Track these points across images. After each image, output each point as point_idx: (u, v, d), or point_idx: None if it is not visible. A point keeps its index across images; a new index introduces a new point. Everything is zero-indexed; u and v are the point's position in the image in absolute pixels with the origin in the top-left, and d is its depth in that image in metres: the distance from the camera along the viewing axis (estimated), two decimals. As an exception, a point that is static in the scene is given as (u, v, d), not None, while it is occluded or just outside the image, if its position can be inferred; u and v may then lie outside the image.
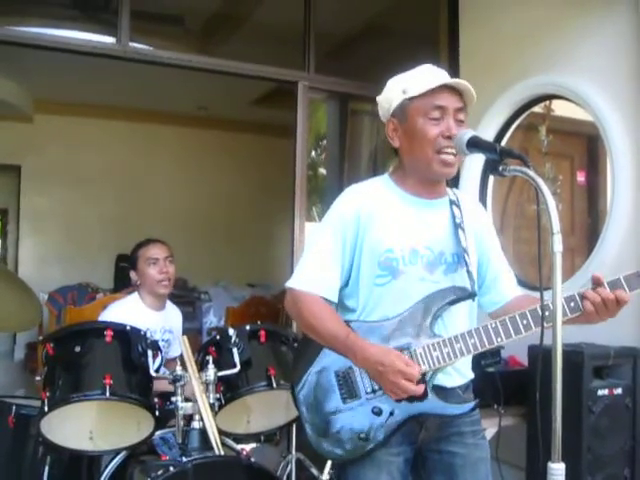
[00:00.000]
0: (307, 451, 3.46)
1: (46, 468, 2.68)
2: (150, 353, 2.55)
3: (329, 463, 3.19)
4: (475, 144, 1.74)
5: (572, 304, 1.80)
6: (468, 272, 1.94)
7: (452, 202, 2.02)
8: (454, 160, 1.90)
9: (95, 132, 8.74)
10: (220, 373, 2.57)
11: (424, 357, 1.83)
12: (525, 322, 1.81)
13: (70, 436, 2.56)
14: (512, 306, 2.00)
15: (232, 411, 2.73)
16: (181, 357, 2.64)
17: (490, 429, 2.96)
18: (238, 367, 2.63)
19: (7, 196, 9.63)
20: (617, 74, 3.58)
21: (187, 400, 2.51)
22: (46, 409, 2.41)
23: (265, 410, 2.90)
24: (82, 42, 4.29)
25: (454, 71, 4.39)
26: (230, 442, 2.75)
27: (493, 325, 1.82)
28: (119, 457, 2.62)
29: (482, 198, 4.30)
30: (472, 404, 1.94)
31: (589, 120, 3.79)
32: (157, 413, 2.52)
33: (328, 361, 1.93)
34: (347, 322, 1.93)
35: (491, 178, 4.35)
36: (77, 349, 2.51)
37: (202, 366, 2.63)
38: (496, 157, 1.65)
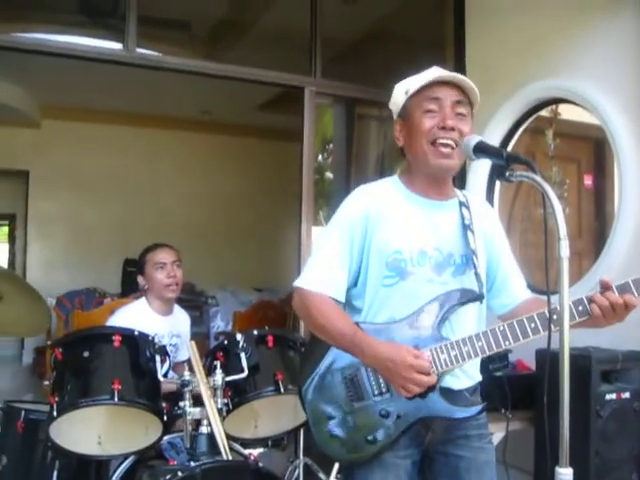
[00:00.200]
0: (315, 456, 3.47)
1: (55, 473, 2.68)
2: (158, 358, 2.56)
3: (336, 467, 3.19)
4: (482, 149, 1.75)
5: (580, 308, 1.79)
6: (476, 274, 1.94)
7: (461, 203, 2.02)
8: (451, 152, 1.89)
9: (102, 137, 8.78)
10: (228, 378, 2.57)
11: (431, 360, 1.82)
12: (533, 326, 1.80)
13: (79, 441, 2.57)
14: (522, 309, 2.00)
15: (240, 416, 2.73)
16: (189, 361, 2.65)
17: (498, 433, 2.95)
18: (246, 372, 2.63)
19: (15, 201, 9.68)
20: (623, 77, 3.57)
21: (195, 403, 2.52)
22: (55, 414, 2.43)
23: (273, 415, 2.90)
24: (89, 48, 4.31)
25: (461, 74, 4.38)
26: (238, 447, 2.75)
27: (501, 328, 1.82)
28: (127, 462, 2.63)
29: (489, 203, 4.29)
30: (479, 407, 1.94)
31: (596, 123, 3.78)
32: (165, 418, 2.53)
33: (335, 363, 1.94)
34: (354, 324, 1.93)
35: (498, 183, 4.34)
36: (86, 354, 2.52)
37: (210, 371, 2.64)
38: (503, 163, 1.65)
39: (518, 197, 4.58)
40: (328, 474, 3.32)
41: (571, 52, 3.86)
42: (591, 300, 1.78)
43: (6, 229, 10.51)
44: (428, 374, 1.77)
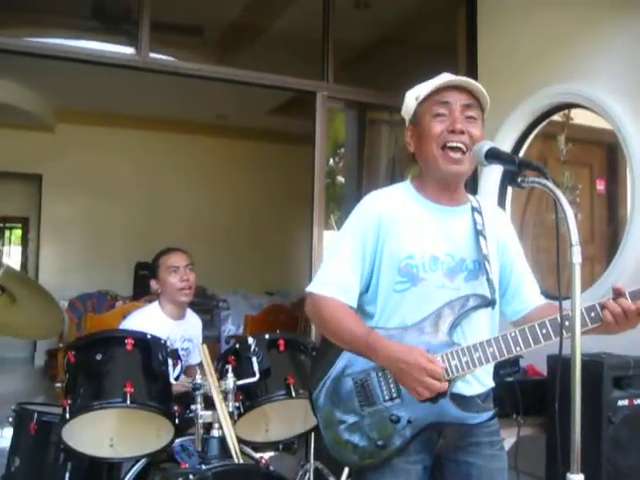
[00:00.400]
0: (325, 460, 3.47)
1: (67, 474, 2.68)
2: (170, 361, 2.56)
3: (346, 471, 3.19)
4: (494, 155, 1.74)
5: (592, 314, 1.78)
6: (488, 280, 1.94)
7: (474, 209, 2.02)
8: (461, 157, 1.89)
9: (115, 141, 8.84)
10: (239, 382, 2.58)
11: (445, 366, 1.81)
12: (545, 332, 1.79)
13: (91, 443, 2.59)
14: (535, 315, 1.98)
15: (251, 419, 2.73)
16: (201, 365, 2.66)
17: (509, 439, 2.94)
18: (257, 376, 2.63)
19: (28, 204, 9.76)
20: (636, 83, 3.57)
21: (207, 406, 2.53)
22: (68, 416, 2.44)
23: (284, 419, 2.90)
24: (102, 53, 4.35)
25: (473, 79, 4.38)
26: (249, 450, 2.76)
27: (512, 334, 1.81)
28: (139, 464, 2.64)
29: (501, 208, 4.28)
30: (490, 413, 1.93)
31: (608, 128, 3.78)
32: (177, 421, 2.53)
33: (346, 368, 1.94)
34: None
35: (509, 188, 4.34)
36: (98, 357, 2.53)
37: (221, 375, 2.64)
38: (514, 169, 1.64)
39: (530, 202, 4.57)
40: (339, 478, 3.31)
41: (584, 57, 3.86)
42: (603, 307, 1.78)
43: (19, 232, 10.58)
44: (440, 379, 1.77)
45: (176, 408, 2.56)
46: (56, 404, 3.18)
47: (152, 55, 4.30)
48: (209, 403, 2.54)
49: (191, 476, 2.27)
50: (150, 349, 2.58)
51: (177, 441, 2.64)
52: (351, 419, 1.91)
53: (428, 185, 2.00)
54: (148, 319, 3.16)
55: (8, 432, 2.98)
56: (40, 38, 4.80)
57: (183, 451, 2.68)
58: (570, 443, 1.45)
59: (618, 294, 1.78)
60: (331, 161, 8.12)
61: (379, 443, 1.88)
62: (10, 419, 2.86)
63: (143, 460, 2.64)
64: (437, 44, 5.38)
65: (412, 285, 1.91)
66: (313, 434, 3.17)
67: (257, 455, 2.76)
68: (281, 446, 3.14)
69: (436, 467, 2.00)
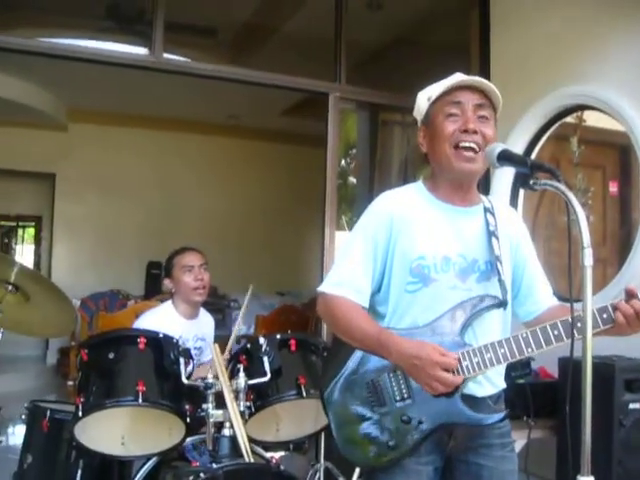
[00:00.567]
0: (336, 460, 3.47)
1: (79, 472, 2.71)
2: (182, 361, 2.58)
3: (357, 472, 3.20)
4: (506, 158, 1.74)
5: (604, 316, 1.77)
6: (500, 281, 1.93)
7: (486, 209, 2.02)
8: (474, 156, 1.89)
9: (128, 140, 8.88)
10: (251, 381, 2.59)
11: (458, 357, 1.81)
12: (556, 333, 1.79)
13: (103, 441, 2.60)
14: (547, 316, 1.98)
15: (262, 419, 2.75)
16: (212, 363, 2.67)
17: (520, 441, 2.94)
18: (268, 376, 2.64)
19: (41, 203, 9.81)
20: (650, 85, 3.56)
21: (218, 405, 2.54)
22: (80, 414, 2.46)
23: (294, 419, 2.91)
24: (116, 54, 4.37)
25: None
26: (259, 450, 2.76)
27: (524, 335, 1.81)
28: (150, 462, 2.65)
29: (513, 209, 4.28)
30: (501, 415, 1.93)
31: (621, 130, 3.76)
32: (188, 420, 2.55)
33: (357, 367, 1.94)
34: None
35: (522, 190, 4.33)
36: (111, 356, 2.55)
37: (233, 374, 2.66)
38: (527, 171, 1.64)
39: (542, 204, 4.56)
40: (349, 479, 3.32)
41: (597, 59, 3.85)
42: (615, 308, 1.77)
43: (32, 231, 10.64)
44: (454, 372, 1.77)
45: (187, 407, 2.57)
46: (68, 402, 3.21)
47: (165, 55, 4.31)
48: (220, 402, 2.55)
49: (202, 474, 2.28)
50: (162, 348, 2.60)
51: (188, 440, 2.65)
52: (362, 419, 1.91)
53: (441, 185, 2.00)
54: (161, 318, 3.18)
55: (21, 429, 3.00)
56: (54, 38, 4.82)
57: (194, 450, 2.69)
58: (581, 446, 1.45)
59: (630, 295, 1.77)
60: (343, 162, 8.14)
61: (390, 444, 1.88)
62: (23, 416, 2.88)
63: (154, 458, 2.66)
64: (450, 45, 5.37)
65: (423, 285, 1.91)
66: (323, 434, 3.18)
67: (268, 454, 2.77)
68: (292, 446, 3.15)
69: (447, 468, 2.00)
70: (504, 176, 4.29)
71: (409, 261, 1.92)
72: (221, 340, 3.31)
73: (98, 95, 7.67)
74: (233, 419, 2.48)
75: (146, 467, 2.64)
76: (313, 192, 5.39)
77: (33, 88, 7.67)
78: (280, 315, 5.98)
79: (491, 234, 1.97)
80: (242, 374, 2.57)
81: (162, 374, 2.57)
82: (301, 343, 2.88)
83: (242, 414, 2.53)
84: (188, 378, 2.60)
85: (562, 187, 1.54)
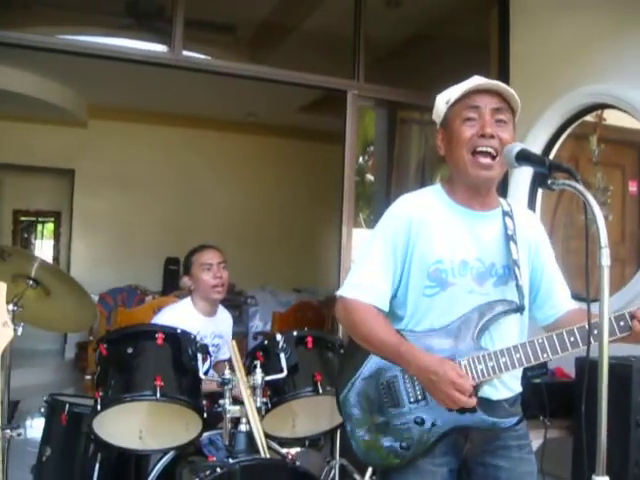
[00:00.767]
0: (350, 457, 3.48)
1: (97, 465, 2.73)
2: (200, 356, 2.60)
3: (370, 469, 3.21)
4: (524, 157, 1.73)
5: (622, 323, 1.77)
6: (517, 286, 1.93)
7: (505, 213, 2.01)
8: (491, 163, 1.88)
9: (146, 137, 8.93)
10: (267, 378, 2.60)
11: (468, 369, 1.82)
12: (572, 339, 1.78)
13: (120, 435, 2.63)
14: (565, 320, 1.98)
15: (278, 415, 2.76)
16: (230, 361, 2.69)
17: (535, 441, 2.93)
18: (285, 372, 2.66)
19: (61, 199, 9.90)
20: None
21: (235, 401, 2.56)
22: (99, 408, 2.48)
23: (310, 415, 2.92)
24: (136, 51, 4.39)
25: (504, 79, 4.36)
26: (275, 445, 2.78)
27: (540, 341, 1.81)
28: (167, 457, 2.68)
29: (531, 210, 4.26)
30: (517, 418, 1.93)
31: (641, 129, 3.74)
32: (205, 415, 2.57)
33: (373, 369, 1.95)
34: (399, 333, 1.93)
35: (540, 190, 4.31)
36: (129, 351, 2.57)
37: (250, 370, 2.67)
38: (545, 171, 1.63)
39: (560, 204, 4.54)
40: (364, 475, 3.33)
41: (616, 55, 3.82)
42: (633, 316, 1.76)
43: (51, 226, 10.73)
44: (469, 395, 1.77)
45: (205, 402, 2.59)
46: (86, 396, 3.24)
47: (185, 53, 4.32)
48: (237, 398, 2.57)
49: (218, 469, 2.30)
50: (180, 343, 2.61)
51: (205, 435, 2.68)
52: (376, 420, 1.93)
53: (459, 189, 1.99)
54: (180, 315, 3.19)
55: (39, 422, 3.04)
56: (74, 36, 4.86)
57: (211, 444, 2.72)
58: (596, 446, 1.45)
59: None
60: (360, 159, 8.13)
61: (403, 444, 1.89)
62: (42, 410, 2.90)
63: (171, 453, 2.68)
64: (469, 43, 5.35)
65: (441, 290, 1.91)
66: (339, 431, 3.19)
67: (283, 450, 2.79)
68: (307, 442, 3.16)
69: (464, 470, 2.00)
70: (522, 176, 4.27)
71: (427, 265, 1.92)
72: (237, 337, 3.33)
73: (118, 92, 7.72)
74: (250, 415, 2.49)
75: (163, 461, 2.67)
76: (330, 189, 5.40)
77: (54, 85, 7.73)
78: (297, 312, 6.00)
79: (509, 238, 1.96)
80: (259, 370, 2.58)
81: (180, 369, 2.59)
82: (318, 340, 2.89)
83: (259, 410, 2.54)
84: (205, 374, 2.62)
85: (580, 187, 1.54)
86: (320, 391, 2.70)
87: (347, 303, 1.96)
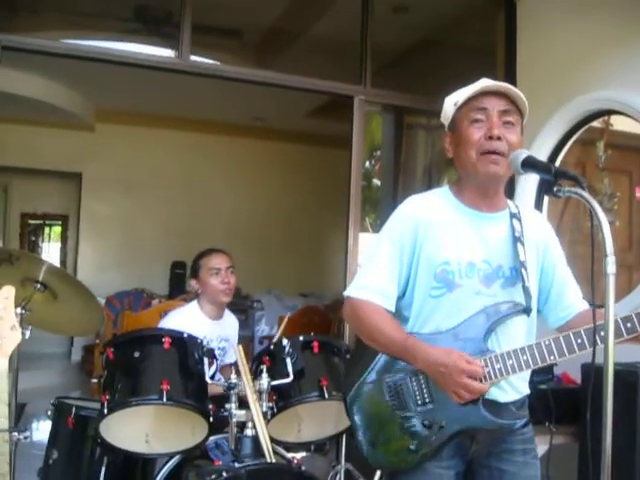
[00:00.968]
0: (356, 461, 3.48)
1: (103, 469, 2.74)
2: (206, 361, 2.61)
3: (378, 474, 3.21)
4: (530, 164, 1.74)
5: (629, 325, 1.77)
6: (524, 287, 1.93)
7: (513, 215, 2.01)
8: (498, 158, 1.88)
9: (154, 141, 8.96)
10: (273, 382, 2.61)
11: (484, 365, 1.82)
12: (579, 341, 1.79)
13: (127, 438, 2.63)
14: (578, 321, 1.98)
15: (284, 420, 2.76)
16: (236, 365, 2.69)
17: (541, 446, 2.92)
18: (291, 377, 2.66)
19: (68, 202, 9.93)
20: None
21: (241, 405, 2.56)
22: (105, 411, 2.49)
23: (316, 420, 2.93)
24: (144, 56, 4.40)
25: (511, 84, 4.37)
26: (281, 450, 2.78)
27: (547, 343, 1.81)
28: (173, 460, 2.68)
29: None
30: (523, 420, 1.94)
31: (649, 135, 3.74)
32: (211, 419, 2.57)
33: (380, 371, 1.96)
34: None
35: (546, 197, 4.31)
36: (136, 354, 2.58)
37: (256, 375, 2.68)
38: (551, 178, 1.64)
39: (567, 209, 4.54)
40: (369, 480, 3.33)
41: (623, 63, 3.81)
42: None
43: (59, 229, 10.76)
44: (480, 380, 1.78)
45: (211, 406, 2.59)
46: (93, 399, 3.25)
47: (192, 58, 4.33)
48: (243, 402, 2.57)
49: (224, 473, 2.30)
50: (186, 348, 2.62)
51: (211, 439, 2.68)
52: (384, 422, 1.93)
53: (467, 191, 2.00)
54: (186, 318, 3.21)
55: (45, 425, 3.04)
56: (82, 40, 4.88)
57: (217, 449, 2.72)
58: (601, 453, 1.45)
59: None
60: (367, 163, 8.14)
61: (411, 447, 1.89)
62: (49, 412, 2.91)
63: (177, 456, 2.69)
64: (475, 49, 5.35)
65: (448, 291, 1.92)
66: (345, 436, 3.20)
67: (289, 455, 2.79)
68: (313, 447, 3.17)
69: (469, 473, 2.01)
70: (528, 183, 4.27)
71: (434, 266, 1.92)
72: (243, 341, 3.34)
73: (125, 95, 7.75)
74: (255, 419, 2.50)
75: (169, 465, 2.67)
76: (337, 193, 5.41)
77: (61, 88, 7.77)
78: (303, 316, 6.00)
79: (516, 240, 1.96)
80: (265, 375, 2.59)
81: (186, 373, 2.60)
82: (324, 345, 2.89)
83: (264, 414, 2.55)
84: (212, 378, 2.63)
85: (586, 195, 1.54)
86: (326, 396, 2.71)
87: (354, 303, 1.97)
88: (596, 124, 4.29)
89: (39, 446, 3.05)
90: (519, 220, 2.01)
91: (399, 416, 1.91)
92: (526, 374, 1.99)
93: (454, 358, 1.78)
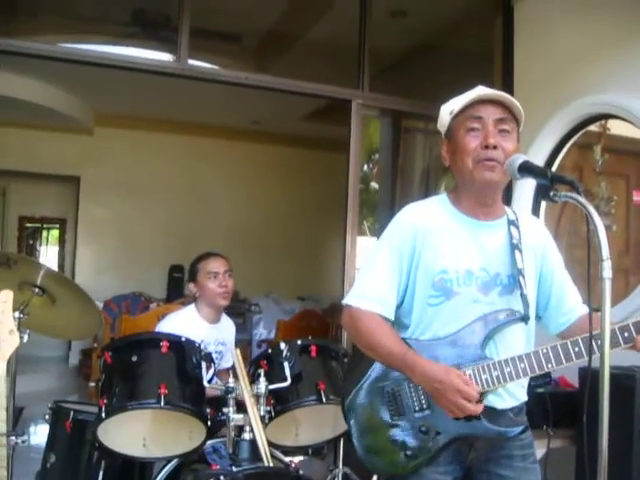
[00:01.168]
0: (354, 466, 3.48)
1: (101, 473, 2.74)
2: (204, 364, 2.61)
3: (375, 478, 3.21)
4: (527, 169, 1.75)
5: (626, 334, 1.78)
6: (522, 295, 1.93)
7: (510, 222, 2.01)
8: (494, 164, 1.88)
9: (152, 145, 8.96)
10: (271, 386, 2.61)
11: (473, 379, 1.83)
12: (577, 349, 1.80)
13: (124, 442, 2.63)
14: (578, 327, 1.98)
15: (281, 424, 2.76)
16: (233, 369, 2.69)
17: (539, 450, 2.93)
18: (289, 381, 2.66)
19: (66, 206, 9.92)
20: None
21: (239, 409, 2.56)
22: (103, 415, 2.49)
23: (314, 424, 2.93)
24: (142, 60, 4.41)
25: (508, 89, 4.37)
26: (279, 454, 2.78)
27: (544, 351, 1.82)
28: (171, 464, 2.68)
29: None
30: (521, 427, 1.94)
31: (646, 139, 3.74)
32: (209, 423, 2.57)
33: (378, 377, 1.96)
34: (404, 342, 1.94)
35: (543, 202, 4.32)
36: (134, 358, 2.59)
37: (254, 379, 2.68)
38: (547, 183, 1.65)
39: (564, 213, 4.54)
40: (367, 484, 3.33)
41: (620, 67, 3.82)
42: (639, 331, 1.78)
43: (57, 233, 10.75)
44: (475, 401, 1.78)
45: (209, 410, 2.60)
46: (91, 403, 3.25)
47: (190, 62, 4.34)
48: (241, 406, 2.57)
49: (222, 477, 2.29)
50: (184, 352, 2.62)
51: (209, 443, 2.68)
52: (381, 428, 1.93)
53: (464, 199, 2.00)
54: (184, 322, 3.20)
55: (43, 429, 3.04)
56: (80, 44, 4.88)
57: (214, 453, 2.72)
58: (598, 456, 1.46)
59: None
60: (365, 167, 8.15)
61: (408, 453, 1.90)
62: (46, 416, 2.91)
63: (175, 460, 2.68)
64: (473, 53, 5.36)
65: (446, 299, 1.92)
66: (342, 440, 3.19)
67: (287, 459, 2.79)
68: (310, 451, 3.16)
69: (467, 478, 2.01)
70: (525, 188, 4.27)
71: (432, 274, 1.93)
72: (241, 344, 3.34)
73: (124, 99, 7.75)
74: (253, 423, 2.50)
75: (167, 469, 2.67)
76: (335, 197, 5.42)
77: (60, 92, 7.76)
78: (301, 320, 6.01)
79: (514, 247, 1.97)
80: (263, 379, 2.59)
81: (184, 378, 2.60)
82: (322, 349, 2.90)
83: (262, 418, 2.55)
84: (209, 382, 2.63)
85: (582, 200, 1.55)
86: (324, 400, 2.71)
87: (353, 312, 1.97)
88: (593, 128, 4.30)
89: (37, 450, 3.05)
90: (517, 227, 2.01)
91: (396, 422, 1.92)
92: (524, 381, 2.00)
93: (451, 377, 1.78)
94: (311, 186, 9.26)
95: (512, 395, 1.97)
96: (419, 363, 1.84)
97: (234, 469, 2.38)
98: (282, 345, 2.76)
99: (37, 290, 2.87)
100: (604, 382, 1.45)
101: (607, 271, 1.47)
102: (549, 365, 1.82)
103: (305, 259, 9.42)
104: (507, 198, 4.26)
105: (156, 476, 2.68)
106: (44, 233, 10.97)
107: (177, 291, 8.53)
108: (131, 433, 2.66)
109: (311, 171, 9.21)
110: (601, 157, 4.37)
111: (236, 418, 2.54)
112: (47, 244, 10.98)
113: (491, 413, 1.87)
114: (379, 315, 1.94)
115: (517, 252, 1.96)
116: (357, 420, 1.98)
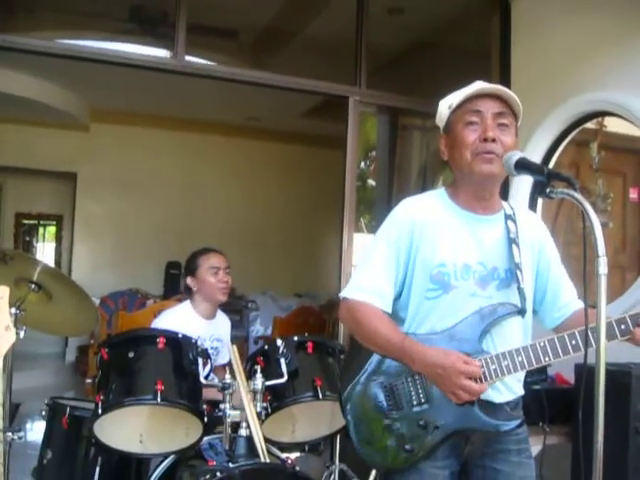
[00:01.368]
0: (350, 462, 3.49)
1: (97, 469, 2.73)
2: (200, 361, 2.61)
3: (373, 474, 3.21)
4: (523, 166, 1.75)
5: (623, 327, 1.79)
6: (519, 289, 1.94)
7: (508, 216, 2.02)
8: (493, 157, 1.88)
9: (148, 141, 8.95)
10: (268, 382, 2.60)
11: (482, 365, 1.83)
12: (574, 342, 1.80)
13: (121, 438, 2.63)
14: (573, 321, 2.00)
15: (278, 420, 2.76)
16: (230, 365, 2.69)
17: (535, 447, 2.94)
18: (285, 377, 2.66)
19: (62, 202, 9.92)
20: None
21: (235, 408, 2.56)
22: (100, 412, 2.49)
23: (310, 420, 2.93)
24: (139, 56, 4.40)
25: (505, 86, 4.36)
26: (275, 450, 2.78)
27: (541, 344, 1.83)
28: (167, 461, 2.68)
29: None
30: (518, 421, 1.94)
31: (642, 137, 3.75)
32: (206, 419, 2.57)
33: (376, 371, 1.96)
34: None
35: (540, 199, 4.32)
36: (130, 355, 2.58)
37: (250, 375, 2.68)
38: (544, 179, 1.65)
39: (561, 210, 4.55)
40: (364, 480, 3.34)
41: (618, 62, 3.83)
42: (637, 324, 1.79)
43: (53, 229, 10.75)
44: (479, 380, 1.79)
45: (205, 407, 2.60)
46: (87, 399, 3.25)
47: (187, 58, 4.33)
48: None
49: (218, 473, 2.30)
50: (181, 348, 2.62)
51: (205, 439, 2.68)
52: (379, 422, 1.93)
53: (462, 193, 2.01)
54: (180, 318, 3.21)
55: (39, 425, 3.04)
56: (77, 40, 4.88)
57: (211, 449, 2.72)
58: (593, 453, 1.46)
59: None
60: (362, 164, 8.14)
61: (406, 447, 1.90)
62: (43, 413, 2.91)
63: (171, 457, 2.68)
64: (470, 50, 5.37)
65: (443, 292, 1.93)
66: (339, 436, 3.20)
67: (283, 455, 2.79)
68: (307, 447, 3.17)
69: (463, 473, 2.01)
70: (522, 184, 4.28)
71: (429, 268, 1.93)
72: (237, 341, 3.34)
73: (120, 95, 7.74)
74: (250, 419, 2.49)
75: (163, 465, 2.67)
76: (332, 194, 5.41)
77: (56, 88, 7.76)
78: (298, 317, 6.01)
79: (512, 242, 1.97)
80: (259, 375, 2.58)
81: (181, 374, 2.59)
82: (318, 345, 2.90)
83: (259, 415, 2.54)
84: (206, 378, 2.63)
85: (578, 196, 1.55)
86: (320, 396, 2.71)
87: (350, 304, 1.97)
88: (590, 125, 4.31)
89: (33, 446, 3.05)
90: (514, 221, 2.02)
91: (395, 416, 1.92)
92: (521, 375, 2.00)
93: (452, 360, 1.79)
94: (308, 183, 9.26)
95: (509, 389, 1.98)
96: (417, 350, 1.84)
97: (231, 465, 2.38)
98: (279, 341, 2.76)
99: (33, 286, 2.86)
100: (600, 378, 1.46)
101: (603, 267, 1.48)
102: (546, 358, 1.82)
103: (302, 256, 9.42)
104: (504, 195, 4.26)
105: (153, 472, 2.68)
106: (41, 230, 10.97)
107: (174, 287, 8.52)
108: (128, 429, 2.65)
109: (308, 168, 9.20)
110: (598, 154, 4.38)
111: (233, 414, 2.53)
112: (44, 241, 10.97)
113: (488, 407, 1.88)
114: (376, 307, 1.94)
115: (514, 246, 1.97)
116: (354, 414, 1.98)
